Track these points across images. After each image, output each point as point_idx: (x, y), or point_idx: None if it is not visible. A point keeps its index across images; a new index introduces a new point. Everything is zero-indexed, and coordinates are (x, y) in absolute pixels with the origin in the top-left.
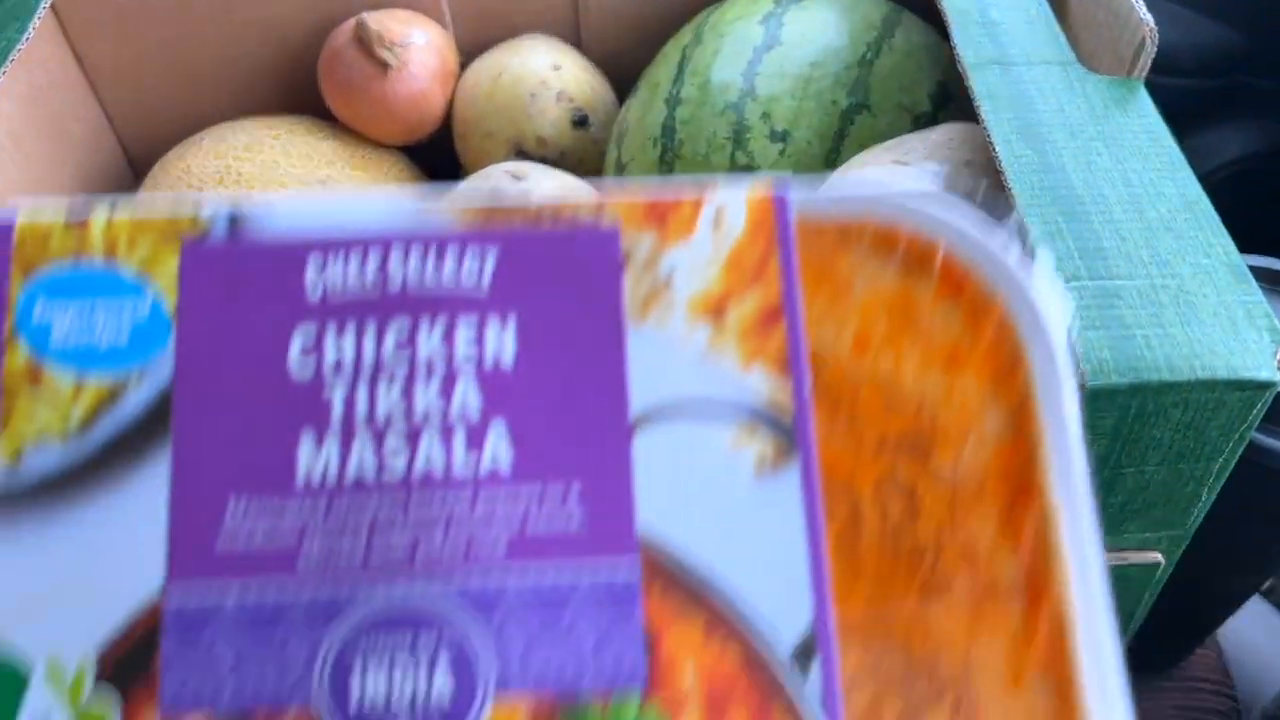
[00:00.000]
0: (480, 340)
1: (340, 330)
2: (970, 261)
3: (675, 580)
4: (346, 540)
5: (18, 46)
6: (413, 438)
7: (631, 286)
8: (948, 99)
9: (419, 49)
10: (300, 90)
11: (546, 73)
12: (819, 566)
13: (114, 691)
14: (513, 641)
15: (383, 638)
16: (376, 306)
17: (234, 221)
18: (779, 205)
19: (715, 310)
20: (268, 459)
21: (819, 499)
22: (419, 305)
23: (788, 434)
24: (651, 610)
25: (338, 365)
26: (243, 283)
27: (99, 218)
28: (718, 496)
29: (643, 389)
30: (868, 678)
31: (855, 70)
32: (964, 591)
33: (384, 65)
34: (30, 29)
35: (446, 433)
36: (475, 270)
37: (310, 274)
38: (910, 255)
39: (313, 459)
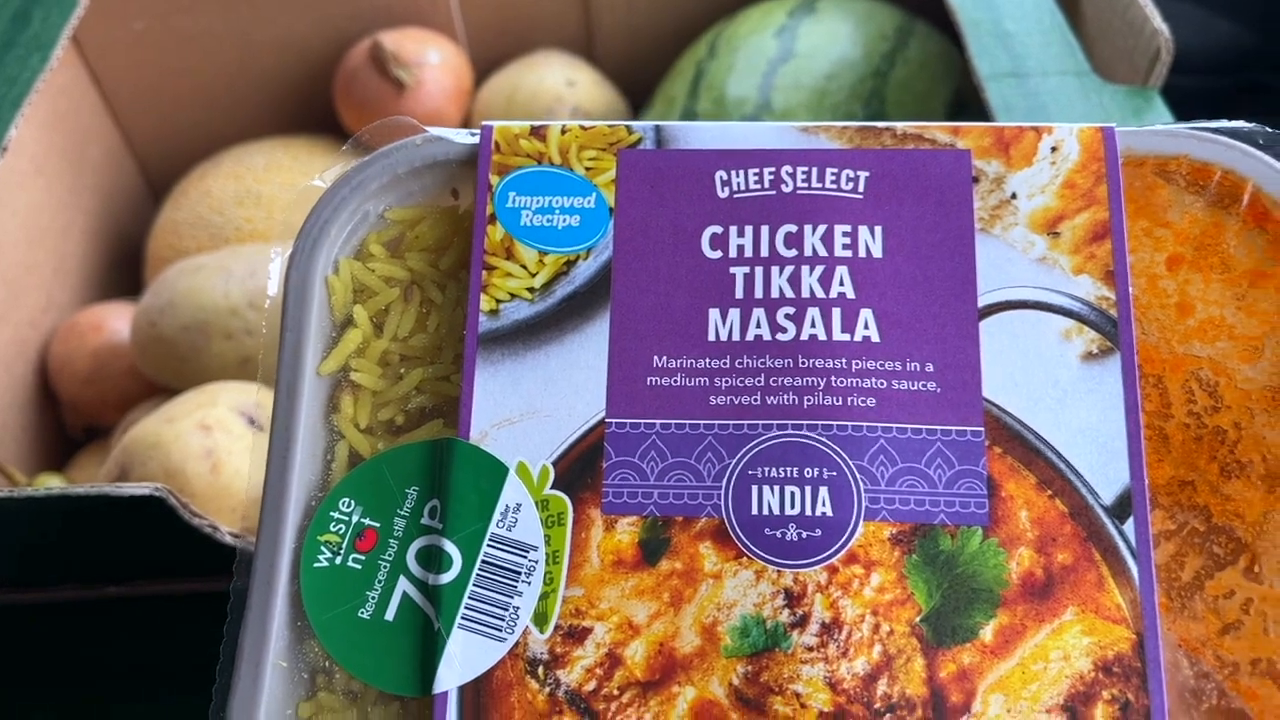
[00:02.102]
0: (854, 240)
1: (741, 226)
2: (1275, 198)
3: (1012, 442)
4: (747, 385)
5: (41, 76)
6: (799, 312)
7: (980, 201)
8: (963, 107)
9: (434, 68)
10: (317, 109)
11: (561, 88)
12: (1135, 440)
13: (566, 492)
14: (879, 478)
15: (776, 466)
16: (771, 206)
17: (659, 136)
18: (1108, 138)
19: (1051, 225)
20: (684, 321)
21: (1137, 385)
22: (805, 207)
23: (1112, 332)
24: (993, 465)
25: (740, 252)
26: (666, 183)
27: (554, 130)
28: (1049, 377)
29: (988, 284)
30: (1171, 537)
31: (870, 81)
32: (1259, 474)
33: (399, 84)
34: (53, 59)
35: (827, 313)
36: (851, 180)
37: (719, 178)
38: (1221, 189)
39: (720, 323)
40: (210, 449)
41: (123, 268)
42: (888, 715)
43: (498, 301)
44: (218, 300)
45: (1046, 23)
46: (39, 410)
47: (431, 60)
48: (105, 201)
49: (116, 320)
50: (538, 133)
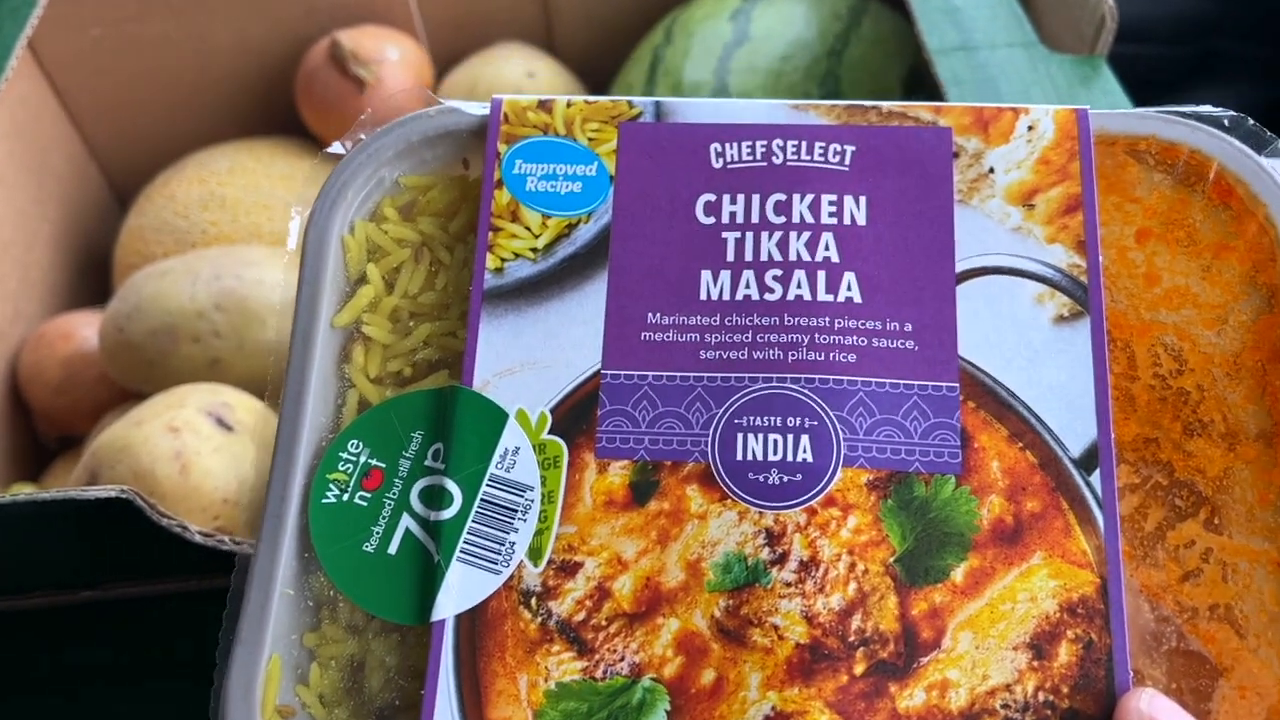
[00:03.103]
0: (840, 209)
1: (734, 195)
2: (1238, 176)
3: (985, 398)
4: (735, 341)
5: None
6: (786, 274)
7: (960, 174)
8: (918, 84)
9: (393, 64)
10: (278, 110)
11: (521, 80)
12: (1103, 397)
13: (562, 437)
14: (858, 428)
15: (761, 416)
16: (762, 176)
17: (658, 110)
18: (1081, 118)
19: (1026, 198)
20: (678, 282)
21: (1105, 346)
22: (794, 178)
23: (1082, 297)
24: (967, 418)
25: (731, 218)
26: (664, 153)
27: (560, 104)
28: (1022, 338)
29: (966, 251)
30: (1136, 489)
31: (825, 62)
32: (1220, 433)
33: (359, 82)
34: (8, 69)
35: (812, 275)
36: (838, 154)
37: (714, 149)
38: (1188, 167)
39: (711, 283)
40: (179, 450)
41: (90, 276)
42: (861, 648)
43: (502, 260)
44: (184, 303)
45: None
46: (11, 421)
47: (391, 57)
48: (69, 210)
49: (85, 328)
50: (544, 106)
